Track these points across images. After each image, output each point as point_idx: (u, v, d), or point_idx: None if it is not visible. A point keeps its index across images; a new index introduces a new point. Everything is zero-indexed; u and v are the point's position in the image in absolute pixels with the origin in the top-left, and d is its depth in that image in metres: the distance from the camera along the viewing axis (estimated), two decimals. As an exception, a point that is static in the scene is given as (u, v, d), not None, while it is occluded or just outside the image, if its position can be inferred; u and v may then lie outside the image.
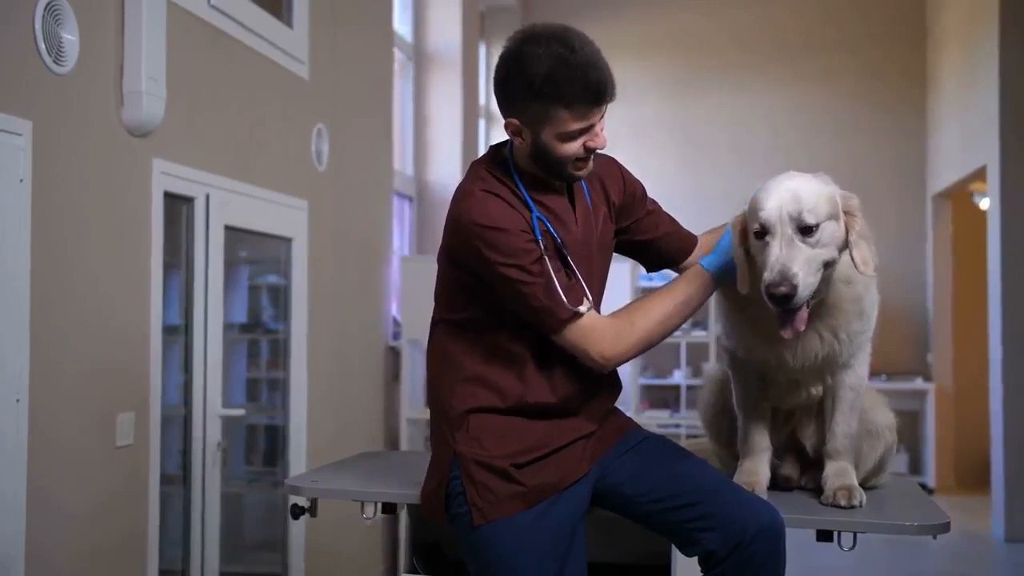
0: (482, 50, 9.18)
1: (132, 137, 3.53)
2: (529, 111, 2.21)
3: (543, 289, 2.22)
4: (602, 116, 2.25)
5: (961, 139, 8.30)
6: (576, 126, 2.21)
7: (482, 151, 9.09)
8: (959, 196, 9.13)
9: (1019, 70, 7.11)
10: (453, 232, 2.29)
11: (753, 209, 2.23)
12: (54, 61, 3.11)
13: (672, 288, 2.37)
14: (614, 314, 2.31)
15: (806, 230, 2.16)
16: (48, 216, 3.10)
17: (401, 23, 7.27)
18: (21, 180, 2.95)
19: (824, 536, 2.41)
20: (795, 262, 2.14)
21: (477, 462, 2.29)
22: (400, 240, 7.11)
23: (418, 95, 7.65)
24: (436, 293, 2.42)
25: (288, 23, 4.76)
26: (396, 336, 6.20)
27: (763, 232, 2.19)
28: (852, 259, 2.25)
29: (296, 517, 2.66)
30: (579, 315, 2.24)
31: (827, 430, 2.46)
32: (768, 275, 2.14)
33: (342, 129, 5.30)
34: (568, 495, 2.30)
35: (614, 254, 2.53)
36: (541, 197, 2.31)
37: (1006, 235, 7.12)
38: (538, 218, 2.27)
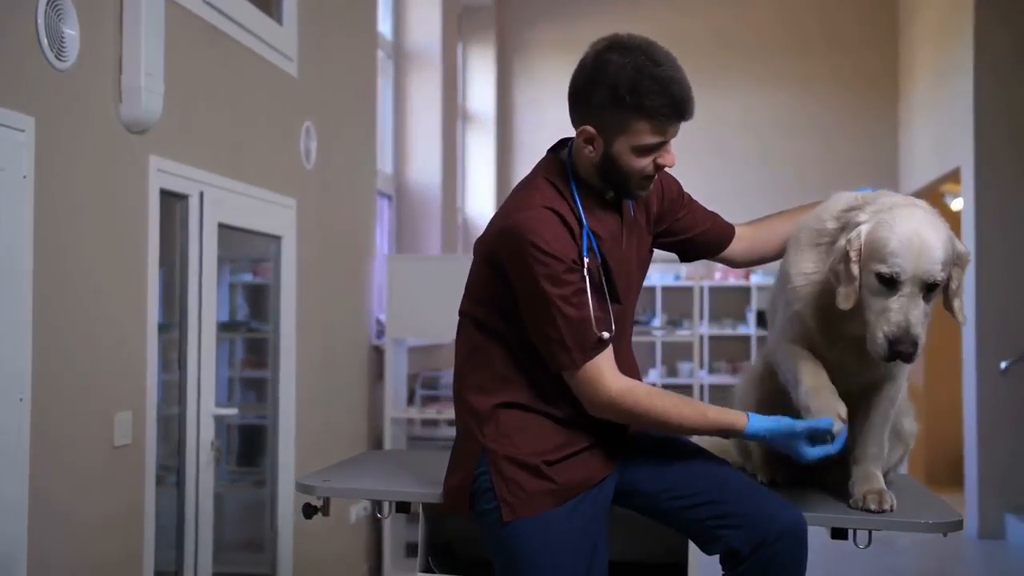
0: (458, 49, 9.16)
1: (130, 134, 3.49)
2: (607, 119, 2.22)
3: (572, 325, 2.22)
4: (675, 135, 2.25)
5: (934, 141, 8.40)
6: (652, 140, 2.22)
7: (460, 150, 9.17)
8: (931, 197, 9.20)
9: (994, 72, 7.20)
10: (502, 238, 2.28)
11: (880, 249, 2.20)
12: (56, 57, 3.07)
13: (706, 413, 2.28)
14: (622, 391, 2.25)
15: (931, 287, 2.19)
16: (49, 214, 3.06)
17: (381, 21, 7.24)
18: (24, 176, 2.92)
19: (839, 534, 2.44)
20: (919, 323, 2.17)
21: (508, 458, 2.29)
22: (380, 238, 7.08)
23: (397, 93, 7.63)
24: (468, 286, 2.41)
25: (278, 20, 4.74)
26: (380, 335, 6.18)
27: (891, 281, 2.19)
28: (952, 308, 2.28)
29: (309, 516, 2.64)
30: (587, 363, 2.23)
31: (858, 435, 2.47)
32: (894, 331, 2.16)
33: (328, 127, 5.28)
34: (595, 493, 2.31)
35: None
36: (595, 210, 2.32)
37: (980, 236, 7.21)
38: (588, 236, 2.27)
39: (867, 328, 2.22)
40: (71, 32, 3.13)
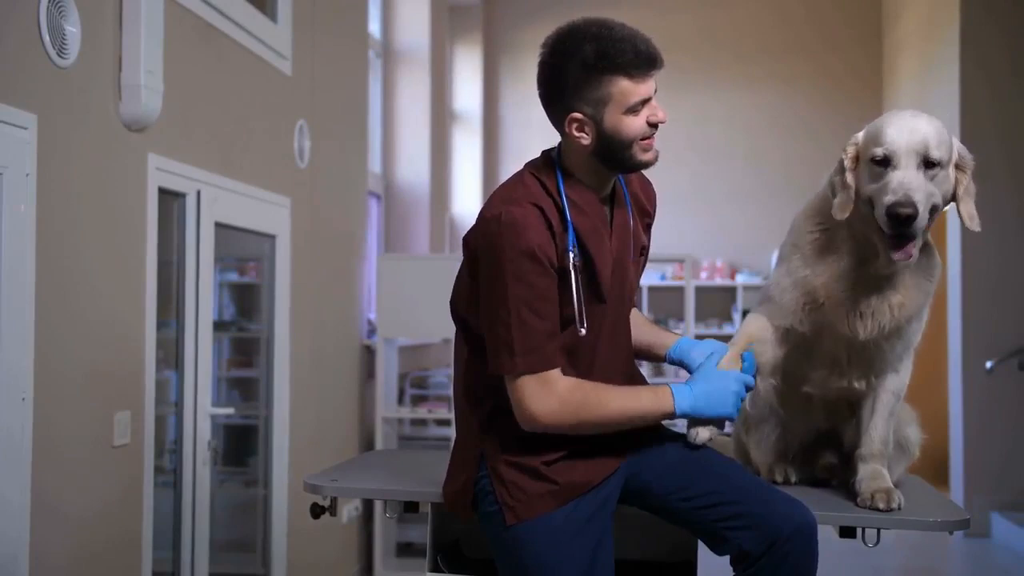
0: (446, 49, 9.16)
1: (129, 132, 3.47)
2: (588, 95, 2.20)
3: (526, 333, 2.19)
4: (656, 90, 2.25)
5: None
6: (637, 96, 2.20)
7: (451, 148, 9.16)
8: (915, 197, 9.28)
9: (980, 69, 7.23)
10: (480, 228, 2.26)
11: (876, 136, 2.25)
12: (58, 54, 3.05)
13: (639, 398, 2.28)
14: (570, 387, 2.23)
15: (929, 164, 2.21)
16: (50, 214, 3.04)
17: (370, 20, 7.22)
18: (27, 174, 2.90)
19: (847, 532, 2.45)
20: (918, 190, 2.18)
21: (507, 462, 2.28)
22: (368, 238, 7.06)
23: (386, 92, 7.62)
24: (458, 287, 2.39)
25: (273, 17, 4.72)
26: (371, 334, 6.17)
27: (885, 160, 2.22)
28: (959, 213, 2.30)
29: (317, 516, 2.63)
30: (528, 374, 2.20)
31: (863, 433, 2.48)
32: (892, 197, 2.17)
33: (320, 126, 5.26)
34: (598, 493, 2.30)
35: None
36: (581, 207, 2.28)
37: (965, 236, 7.25)
38: (571, 232, 2.25)
39: (875, 212, 2.23)
40: (72, 29, 3.11)
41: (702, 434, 2.31)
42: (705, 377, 2.32)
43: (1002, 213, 7.14)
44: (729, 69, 10.07)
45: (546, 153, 2.37)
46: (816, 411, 2.59)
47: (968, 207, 2.30)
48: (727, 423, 2.39)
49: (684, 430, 2.38)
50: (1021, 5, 7.17)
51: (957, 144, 2.30)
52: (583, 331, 2.25)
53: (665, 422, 2.43)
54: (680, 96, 9.63)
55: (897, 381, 2.49)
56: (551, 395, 2.21)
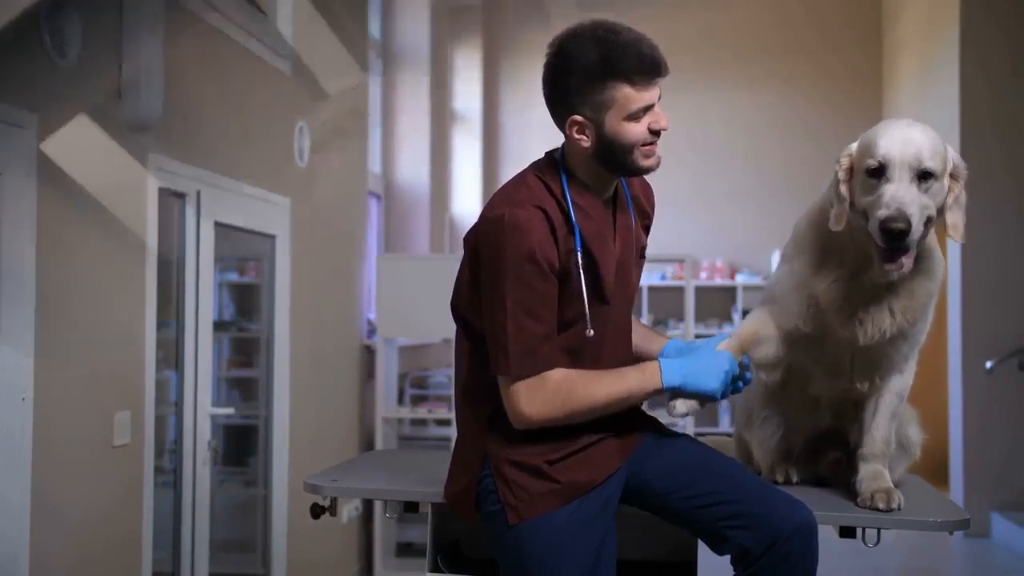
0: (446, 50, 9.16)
1: (130, 132, 3.47)
2: (590, 99, 2.19)
3: (523, 335, 2.18)
4: (659, 97, 2.24)
5: (919, 143, 8.43)
6: (639, 103, 2.19)
7: (451, 149, 9.17)
8: (915, 197, 9.27)
9: (980, 69, 7.23)
10: (483, 228, 2.26)
11: (870, 147, 2.24)
12: (58, 54, 3.05)
13: (625, 378, 2.27)
14: (558, 382, 2.22)
15: (923, 176, 2.20)
16: (51, 214, 3.04)
17: (370, 20, 7.22)
18: (27, 174, 2.90)
19: (847, 532, 2.45)
20: (912, 203, 2.17)
21: (510, 461, 2.27)
22: (369, 238, 7.07)
23: (386, 92, 7.62)
24: (459, 286, 2.37)
25: (273, 18, 4.73)
26: (371, 334, 6.17)
27: (879, 171, 2.21)
28: (945, 222, 2.28)
29: (317, 516, 2.62)
30: (522, 378, 2.20)
31: (864, 432, 2.48)
32: (885, 211, 2.16)
33: (320, 127, 5.26)
34: (600, 492, 2.29)
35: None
36: (585, 209, 2.28)
37: (966, 236, 7.22)
38: (576, 233, 2.24)
39: (869, 225, 2.22)
40: (73, 29, 3.11)
41: (679, 407, 2.28)
42: (698, 354, 2.31)
43: (1002, 213, 7.13)
44: (729, 69, 10.08)
45: (549, 154, 2.36)
46: (820, 411, 2.59)
47: (954, 217, 2.28)
48: (710, 403, 2.36)
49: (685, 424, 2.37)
50: (1021, 5, 7.17)
51: (952, 153, 2.29)
52: (591, 332, 2.25)
53: (667, 423, 2.43)
54: (680, 96, 9.61)
55: (901, 382, 2.49)
56: (541, 393, 2.21)
